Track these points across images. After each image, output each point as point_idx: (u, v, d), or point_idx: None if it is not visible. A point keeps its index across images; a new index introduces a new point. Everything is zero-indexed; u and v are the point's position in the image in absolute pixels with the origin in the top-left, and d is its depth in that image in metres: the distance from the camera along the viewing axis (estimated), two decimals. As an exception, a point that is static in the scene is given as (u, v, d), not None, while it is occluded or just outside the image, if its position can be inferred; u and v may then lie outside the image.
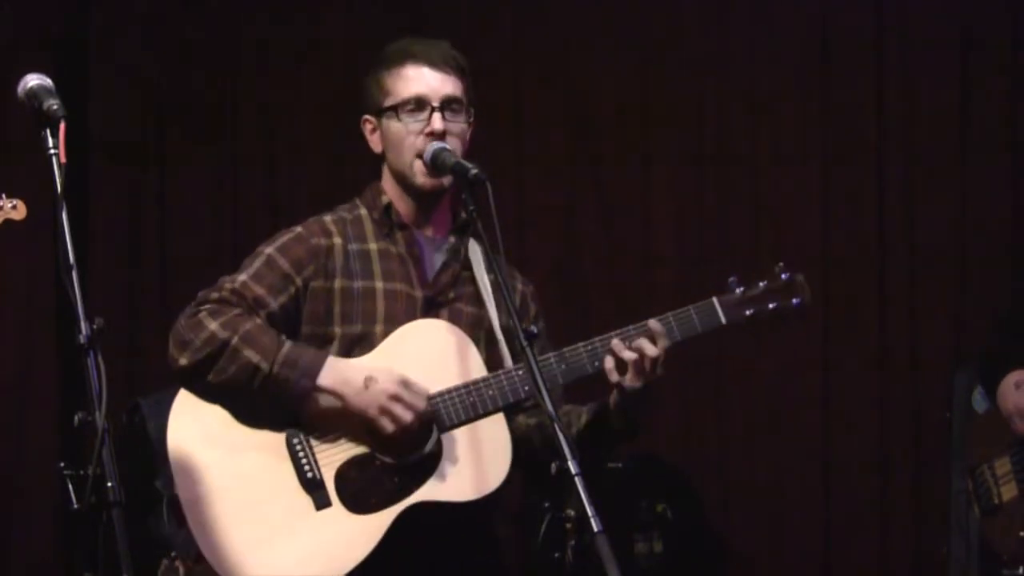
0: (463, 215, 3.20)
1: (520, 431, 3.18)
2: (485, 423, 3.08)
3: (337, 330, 3.13)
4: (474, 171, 2.99)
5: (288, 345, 3.05)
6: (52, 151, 2.72)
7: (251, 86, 6.40)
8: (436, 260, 3.23)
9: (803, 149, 6.06)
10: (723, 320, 3.15)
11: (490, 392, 3.08)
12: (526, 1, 6.30)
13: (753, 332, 5.68)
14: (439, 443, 3.06)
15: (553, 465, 2.97)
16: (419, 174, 3.16)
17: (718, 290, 3.17)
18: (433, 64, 3.19)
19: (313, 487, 3.04)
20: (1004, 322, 4.59)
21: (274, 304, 3.12)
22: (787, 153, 6.07)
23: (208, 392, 3.08)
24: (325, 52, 6.30)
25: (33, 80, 2.80)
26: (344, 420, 3.06)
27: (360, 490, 3.04)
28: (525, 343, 2.84)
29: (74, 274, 2.68)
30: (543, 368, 3.03)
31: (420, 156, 3.15)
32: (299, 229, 3.21)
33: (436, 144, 3.12)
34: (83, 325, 2.64)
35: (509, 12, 6.29)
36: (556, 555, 5.30)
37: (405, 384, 3.02)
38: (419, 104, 3.17)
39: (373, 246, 3.20)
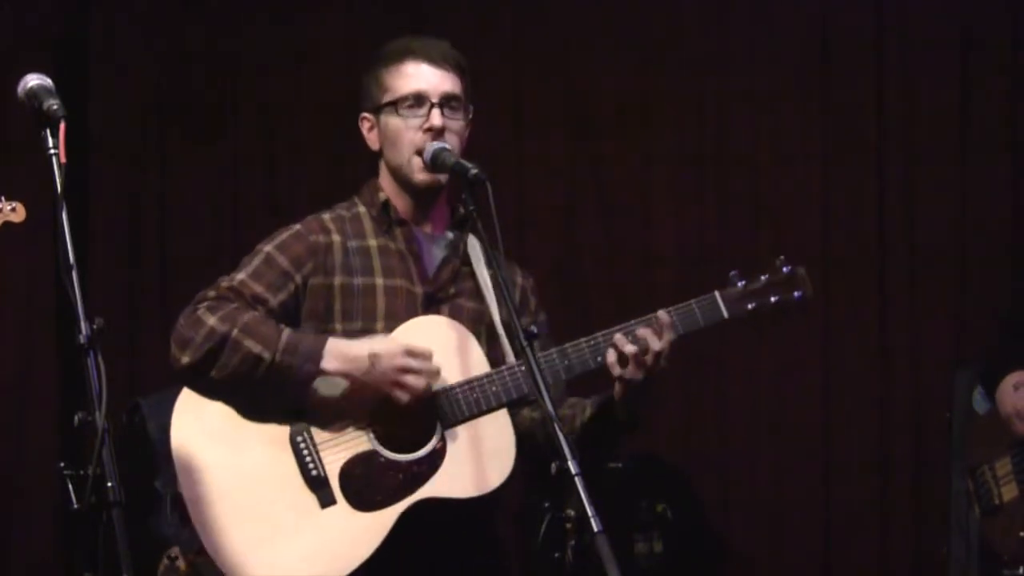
0: (461, 210, 3.21)
1: (524, 426, 3.17)
2: (489, 419, 3.08)
3: (338, 327, 3.13)
4: (474, 171, 2.99)
5: (287, 332, 3.05)
6: (52, 151, 2.72)
7: (251, 86, 6.40)
8: (435, 256, 3.23)
9: (803, 149, 6.06)
10: (725, 314, 3.15)
11: (493, 388, 3.08)
12: (526, 1, 6.31)
13: (753, 330, 5.75)
14: (443, 439, 3.06)
15: (553, 465, 2.97)
16: (417, 170, 3.16)
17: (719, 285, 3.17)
18: (433, 61, 3.19)
19: (317, 485, 3.04)
20: (1004, 323, 4.59)
21: (273, 301, 3.12)
22: (787, 153, 6.07)
23: (213, 389, 3.07)
24: (325, 52, 6.30)
25: (33, 80, 2.80)
26: (350, 402, 3.06)
27: (364, 487, 3.03)
28: (526, 343, 2.85)
29: (74, 274, 2.68)
30: (546, 364, 3.05)
31: (418, 152, 3.15)
32: (297, 227, 3.22)
33: (436, 144, 3.12)
34: (83, 325, 2.64)
35: (509, 12, 6.30)
36: (556, 555, 5.30)
37: (410, 353, 3.02)
38: (418, 100, 3.17)
39: (372, 243, 3.21)
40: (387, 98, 3.19)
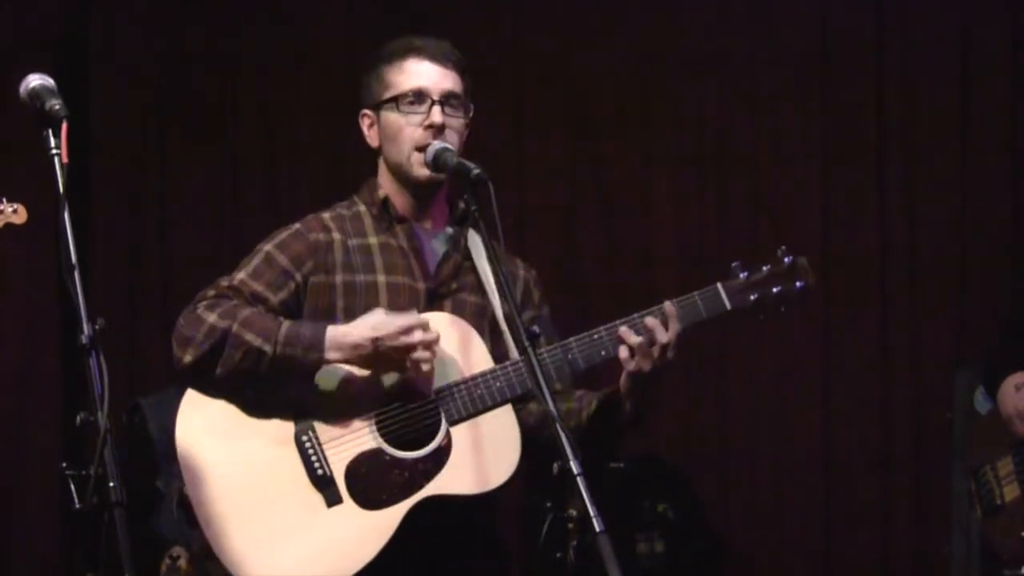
0: (460, 206, 3.21)
1: (530, 421, 3.17)
2: (493, 415, 3.08)
3: (341, 326, 3.13)
4: (476, 171, 2.99)
5: (287, 324, 3.05)
6: (54, 151, 2.72)
7: (251, 86, 6.40)
8: (437, 252, 3.24)
9: (803, 149, 6.05)
10: (728, 305, 3.14)
11: (498, 384, 3.08)
12: (526, 1, 6.30)
13: (754, 328, 5.75)
14: (448, 436, 3.06)
15: (555, 465, 2.97)
16: (416, 165, 3.17)
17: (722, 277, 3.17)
18: (435, 59, 3.20)
19: (324, 484, 3.04)
20: (1005, 323, 4.59)
21: (274, 300, 3.13)
22: (787, 153, 6.07)
23: (217, 387, 3.08)
24: (325, 52, 6.29)
25: (35, 80, 2.80)
26: (357, 388, 3.07)
27: (371, 486, 3.03)
28: (527, 343, 2.84)
29: (76, 274, 2.68)
30: (550, 359, 3.05)
31: (418, 148, 3.16)
32: (297, 226, 3.23)
33: (438, 144, 3.13)
34: (85, 325, 2.65)
35: (509, 12, 6.29)
36: (558, 555, 5.30)
37: (408, 329, 3.00)
38: (419, 97, 3.18)
39: (373, 240, 3.21)
40: (388, 94, 3.20)
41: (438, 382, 3.08)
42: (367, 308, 3.13)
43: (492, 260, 3.00)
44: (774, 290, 3.17)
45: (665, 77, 6.16)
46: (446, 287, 3.21)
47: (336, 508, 3.03)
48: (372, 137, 3.26)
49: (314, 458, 3.05)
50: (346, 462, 3.05)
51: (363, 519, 3.02)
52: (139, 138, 6.40)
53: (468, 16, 6.19)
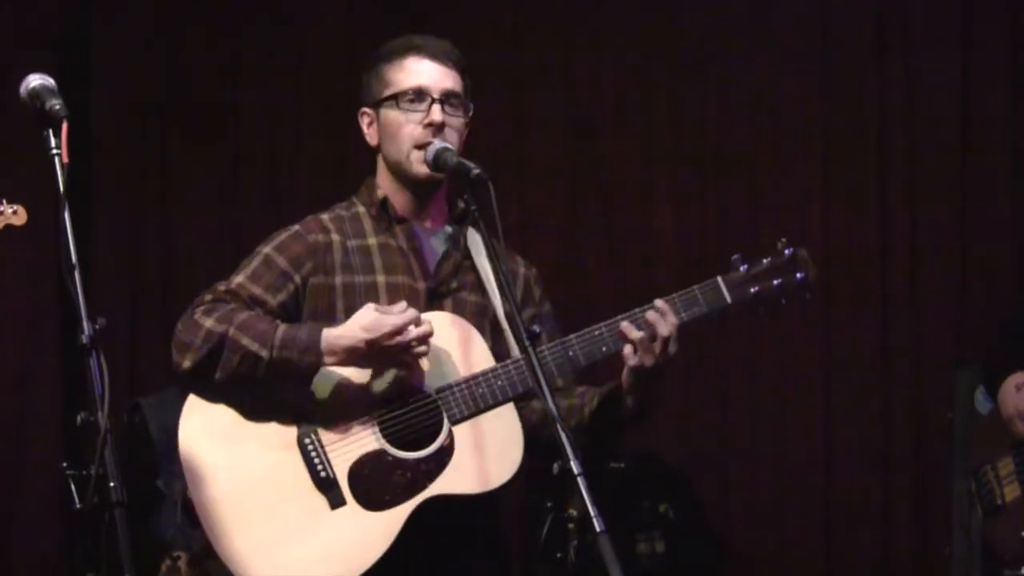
0: (460, 204, 3.21)
1: (532, 420, 3.16)
2: (495, 414, 3.07)
3: (341, 327, 3.13)
4: (476, 171, 2.98)
5: (283, 327, 3.05)
6: (54, 151, 2.72)
7: (251, 86, 6.40)
8: (436, 251, 3.23)
9: (803, 149, 6.06)
10: (728, 299, 3.14)
11: (499, 383, 3.08)
12: (526, 1, 6.31)
13: (754, 328, 5.76)
14: (450, 436, 3.06)
15: (555, 465, 2.97)
16: (415, 163, 3.16)
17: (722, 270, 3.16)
18: (435, 58, 3.20)
19: (327, 486, 3.04)
20: (1005, 323, 4.59)
21: (273, 302, 3.13)
22: (787, 153, 6.07)
23: (217, 392, 3.07)
24: (325, 52, 6.30)
25: (35, 80, 2.79)
26: (356, 387, 3.07)
27: (374, 487, 3.03)
28: (528, 343, 2.84)
29: (76, 274, 2.67)
30: (551, 357, 3.04)
31: (418, 146, 3.15)
32: (296, 227, 3.22)
33: (439, 144, 3.12)
34: (85, 325, 2.64)
35: (509, 12, 6.29)
36: (558, 555, 5.31)
37: (399, 330, 2.99)
38: (419, 95, 3.18)
39: (373, 241, 3.21)
40: (388, 92, 3.20)
41: (439, 381, 3.07)
42: (367, 309, 3.13)
43: (492, 258, 2.99)
44: (775, 282, 3.16)
45: (665, 77, 6.16)
46: (446, 286, 3.21)
47: (340, 510, 3.03)
48: (371, 135, 3.26)
49: (317, 460, 3.05)
50: (349, 464, 3.05)
51: (367, 521, 3.02)
52: (139, 138, 6.40)
53: (468, 16, 6.19)
